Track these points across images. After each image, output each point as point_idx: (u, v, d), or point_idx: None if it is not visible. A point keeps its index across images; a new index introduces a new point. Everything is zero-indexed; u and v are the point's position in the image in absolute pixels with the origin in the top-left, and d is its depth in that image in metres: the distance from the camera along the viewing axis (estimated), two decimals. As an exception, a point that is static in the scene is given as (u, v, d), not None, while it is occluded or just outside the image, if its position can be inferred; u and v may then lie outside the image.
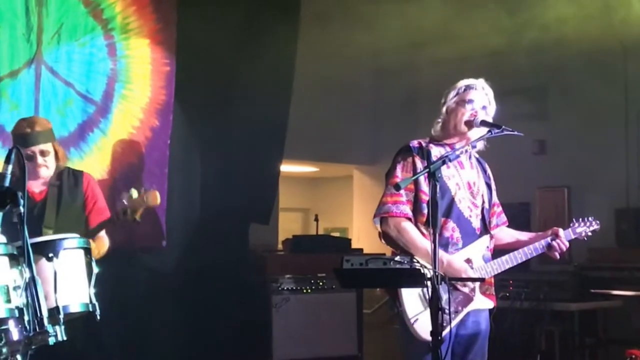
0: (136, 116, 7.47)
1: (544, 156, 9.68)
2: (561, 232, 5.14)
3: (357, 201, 11.91)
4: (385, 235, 4.97)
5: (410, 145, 5.02)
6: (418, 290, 4.76)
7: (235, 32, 7.54)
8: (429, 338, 4.32)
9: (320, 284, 7.74)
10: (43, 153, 5.59)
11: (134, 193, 5.42)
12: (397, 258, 4.45)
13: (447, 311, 4.77)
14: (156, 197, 5.38)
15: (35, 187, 5.66)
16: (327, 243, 8.85)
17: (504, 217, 5.34)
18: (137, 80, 7.51)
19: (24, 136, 5.53)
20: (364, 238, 10.50)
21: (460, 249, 4.92)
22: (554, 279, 8.08)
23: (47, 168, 5.62)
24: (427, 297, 4.50)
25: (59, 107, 7.06)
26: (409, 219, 4.90)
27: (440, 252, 4.78)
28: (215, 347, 7.40)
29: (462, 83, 5.12)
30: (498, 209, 5.30)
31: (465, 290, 4.92)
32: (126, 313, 6.53)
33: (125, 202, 5.40)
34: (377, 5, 8.93)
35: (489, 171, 5.26)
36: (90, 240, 4.67)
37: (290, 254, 8.30)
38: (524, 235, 5.30)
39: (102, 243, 5.60)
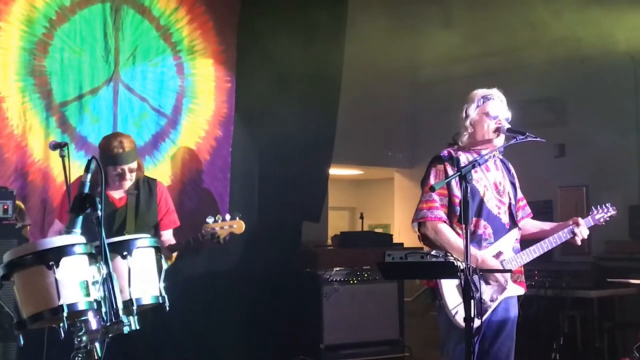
0: (202, 127, 7.47)
1: (564, 159, 9.55)
2: (581, 220, 5.09)
3: (397, 200, 11.82)
4: (424, 238, 4.94)
5: (441, 154, 5.00)
6: (456, 283, 4.72)
7: (286, 53, 7.48)
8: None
9: (366, 275, 7.66)
10: (131, 170, 5.64)
11: (220, 219, 5.58)
12: (433, 252, 4.46)
13: (482, 301, 4.74)
14: (242, 226, 5.61)
15: (117, 194, 5.71)
16: (371, 238, 8.79)
17: (528, 210, 5.29)
18: (203, 96, 7.52)
19: (116, 156, 5.57)
20: (404, 233, 10.41)
21: (492, 243, 4.87)
22: (574, 269, 7.97)
23: (130, 181, 5.67)
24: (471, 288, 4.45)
25: (135, 120, 7.09)
26: (444, 222, 4.85)
27: (475, 250, 4.75)
28: (271, 332, 7.38)
29: (479, 94, 5.05)
30: (522, 202, 5.26)
31: (500, 280, 4.86)
32: (191, 303, 6.53)
33: (215, 227, 5.55)
34: (413, 28, 8.85)
35: (512, 170, 5.22)
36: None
37: (339, 249, 8.24)
38: (547, 225, 5.25)
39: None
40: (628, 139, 8.97)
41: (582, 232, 5.07)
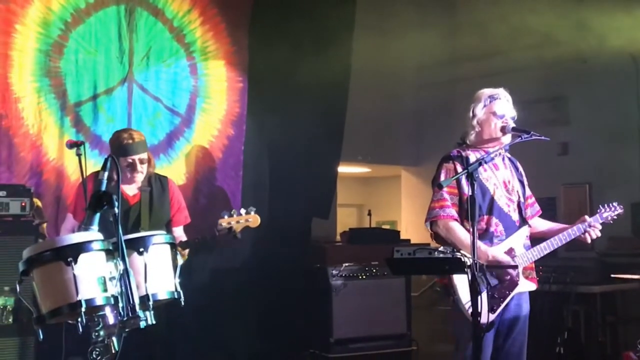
0: (215, 126, 7.48)
1: (567, 157, 9.53)
2: (591, 220, 5.07)
3: (404, 197, 11.81)
4: (436, 236, 4.93)
5: (451, 154, 4.99)
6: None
7: (296, 53, 7.50)
8: (483, 320, 4.27)
9: (374, 271, 7.67)
10: (141, 161, 5.60)
11: (235, 213, 5.54)
12: (441, 248, 4.41)
13: (494, 296, 4.73)
14: (257, 220, 5.57)
15: (130, 190, 5.67)
16: (379, 235, 8.76)
17: (537, 207, 5.29)
18: (215, 96, 7.54)
19: (125, 147, 5.53)
20: (411, 229, 10.42)
21: (503, 240, 4.86)
22: (578, 265, 7.96)
23: (142, 174, 5.65)
24: (478, 283, 4.43)
25: (149, 120, 7.10)
26: (456, 220, 4.84)
27: (486, 247, 4.74)
28: (282, 327, 7.39)
29: (485, 94, 5.04)
30: (531, 200, 5.25)
31: (512, 275, 4.85)
32: (204, 298, 6.53)
33: (231, 222, 5.52)
34: (421, 26, 8.84)
35: (520, 168, 5.21)
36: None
37: (347, 245, 8.22)
38: (556, 226, 5.22)
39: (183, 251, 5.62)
40: (630, 136, 8.96)
41: (596, 232, 5.06)
